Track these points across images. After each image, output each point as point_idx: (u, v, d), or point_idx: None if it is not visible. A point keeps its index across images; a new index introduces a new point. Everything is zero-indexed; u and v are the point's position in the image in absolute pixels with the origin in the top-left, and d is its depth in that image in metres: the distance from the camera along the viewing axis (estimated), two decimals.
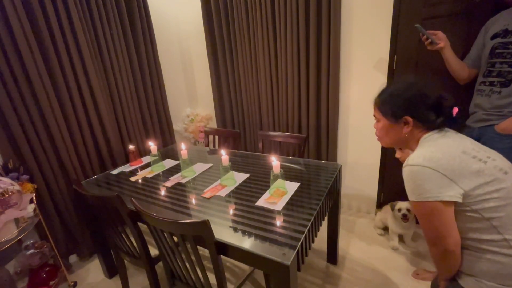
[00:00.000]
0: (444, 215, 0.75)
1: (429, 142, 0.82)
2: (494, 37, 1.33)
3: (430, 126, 0.84)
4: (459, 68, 1.49)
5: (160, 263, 1.29)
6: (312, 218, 1.13)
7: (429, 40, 1.44)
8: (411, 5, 1.73)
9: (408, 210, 1.76)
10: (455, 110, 0.82)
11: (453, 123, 0.84)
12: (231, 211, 1.24)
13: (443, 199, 0.73)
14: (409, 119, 0.84)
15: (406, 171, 0.80)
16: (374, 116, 0.96)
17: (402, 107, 0.85)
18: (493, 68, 1.34)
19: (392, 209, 1.83)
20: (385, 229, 2.04)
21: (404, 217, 1.76)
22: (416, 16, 1.73)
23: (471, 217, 0.75)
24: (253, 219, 1.16)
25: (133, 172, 1.81)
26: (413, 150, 0.88)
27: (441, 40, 1.43)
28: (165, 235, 1.07)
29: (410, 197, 0.81)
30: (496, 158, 0.77)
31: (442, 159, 0.74)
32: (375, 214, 2.28)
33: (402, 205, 1.78)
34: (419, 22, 1.73)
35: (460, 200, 0.73)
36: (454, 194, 0.73)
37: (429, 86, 0.84)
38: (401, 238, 1.94)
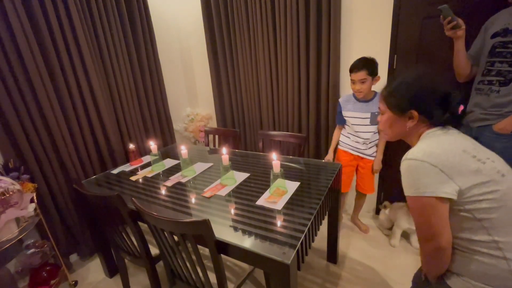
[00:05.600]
0: (439, 211, 0.74)
1: (431, 138, 0.81)
2: (494, 36, 1.33)
3: (435, 122, 0.83)
4: (466, 62, 1.46)
5: (161, 262, 1.29)
6: (312, 217, 1.13)
7: (454, 23, 1.31)
8: (411, 4, 1.73)
9: None
10: (461, 107, 0.80)
11: (457, 121, 0.83)
12: (231, 211, 1.25)
13: (439, 195, 0.73)
14: (415, 113, 0.82)
15: (404, 165, 0.80)
16: (379, 108, 0.95)
17: (408, 100, 0.83)
18: (492, 67, 1.34)
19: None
20: (390, 229, 2.05)
21: None
22: (416, 15, 1.73)
23: (463, 217, 0.75)
24: (253, 218, 1.16)
25: (134, 172, 1.81)
26: (413, 145, 0.87)
27: (462, 25, 1.34)
28: (166, 234, 1.07)
29: (406, 192, 0.80)
30: (495, 160, 0.77)
31: (442, 155, 0.74)
32: (376, 213, 2.29)
33: None
34: (419, 21, 1.74)
35: (455, 197, 0.73)
36: (450, 191, 0.73)
37: (438, 80, 0.82)
38: (407, 237, 1.94)
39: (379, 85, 1.69)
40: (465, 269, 0.78)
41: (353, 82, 1.67)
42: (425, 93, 0.81)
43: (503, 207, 0.72)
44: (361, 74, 1.60)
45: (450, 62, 1.54)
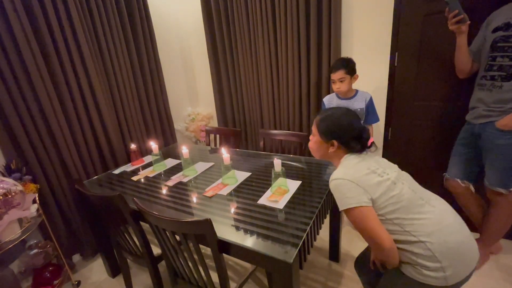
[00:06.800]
0: (370, 218, 0.90)
1: (348, 161, 1.02)
2: (495, 30, 1.32)
3: (350, 150, 1.03)
4: (467, 58, 1.46)
5: (163, 262, 1.30)
6: (314, 216, 1.13)
7: (461, 17, 1.31)
8: (412, 1, 1.72)
9: None
10: (371, 141, 1.03)
11: (367, 149, 1.05)
12: (233, 210, 1.25)
13: (362, 205, 0.90)
14: (335, 143, 1.03)
15: (331, 185, 0.98)
16: (311, 130, 1.13)
17: (332, 132, 1.04)
18: (494, 62, 1.33)
19: None
20: None
21: None
22: (417, 13, 1.72)
23: (382, 220, 0.92)
24: (255, 217, 1.16)
25: (135, 172, 1.82)
26: (336, 165, 1.07)
27: (467, 20, 1.34)
28: (168, 234, 1.07)
29: (340, 207, 0.95)
30: (389, 173, 0.96)
31: (355, 174, 0.94)
32: None
33: None
34: (420, 18, 1.72)
35: (371, 205, 0.91)
36: (367, 200, 0.91)
37: (356, 120, 1.03)
38: None
39: (358, 83, 1.82)
40: (409, 259, 0.91)
41: (333, 81, 1.73)
42: (343, 130, 1.02)
43: (401, 206, 0.91)
44: (340, 74, 1.66)
45: (451, 58, 1.53)
